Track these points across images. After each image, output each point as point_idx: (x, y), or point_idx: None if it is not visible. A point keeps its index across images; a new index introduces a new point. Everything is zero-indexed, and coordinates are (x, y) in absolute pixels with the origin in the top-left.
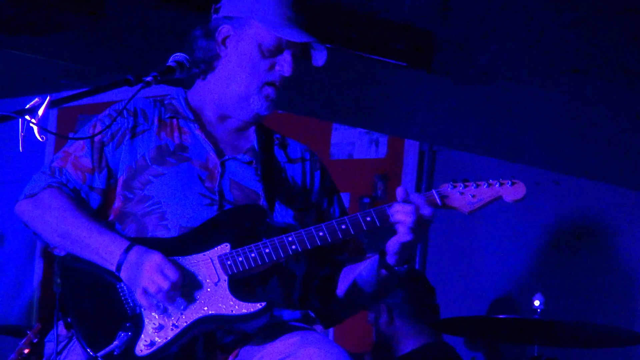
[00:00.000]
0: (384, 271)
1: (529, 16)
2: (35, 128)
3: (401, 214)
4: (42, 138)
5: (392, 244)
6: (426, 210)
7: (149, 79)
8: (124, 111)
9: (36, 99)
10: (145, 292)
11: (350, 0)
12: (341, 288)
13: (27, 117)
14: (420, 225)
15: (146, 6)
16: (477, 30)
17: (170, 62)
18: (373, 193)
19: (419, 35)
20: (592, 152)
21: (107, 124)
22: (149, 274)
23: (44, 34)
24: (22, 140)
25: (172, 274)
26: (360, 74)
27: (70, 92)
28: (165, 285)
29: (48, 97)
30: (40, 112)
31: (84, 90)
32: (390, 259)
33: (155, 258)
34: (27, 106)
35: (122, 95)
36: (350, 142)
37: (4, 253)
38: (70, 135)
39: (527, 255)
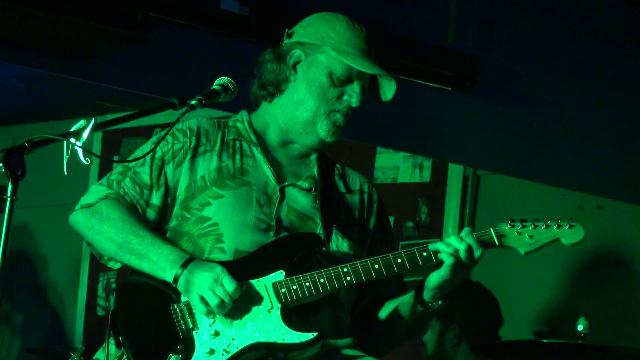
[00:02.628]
0: (419, 307)
1: (574, 41)
2: (80, 151)
3: (448, 248)
4: (86, 161)
5: (432, 278)
6: (475, 252)
7: (193, 102)
8: (187, 130)
9: (81, 122)
10: (203, 300)
11: (394, 25)
12: (380, 321)
13: (71, 139)
14: (463, 264)
15: (191, 30)
16: (520, 55)
17: (215, 86)
18: (417, 217)
19: (463, 60)
20: (636, 177)
21: (169, 142)
22: (207, 283)
23: (90, 57)
24: (67, 163)
25: (230, 284)
26: (404, 98)
27: (115, 115)
28: (222, 293)
29: (93, 120)
30: (85, 134)
31: (129, 113)
32: (427, 294)
33: (215, 269)
34: (72, 129)
35: (166, 118)
36: (394, 166)
37: (47, 276)
38: (116, 158)
39: (570, 279)
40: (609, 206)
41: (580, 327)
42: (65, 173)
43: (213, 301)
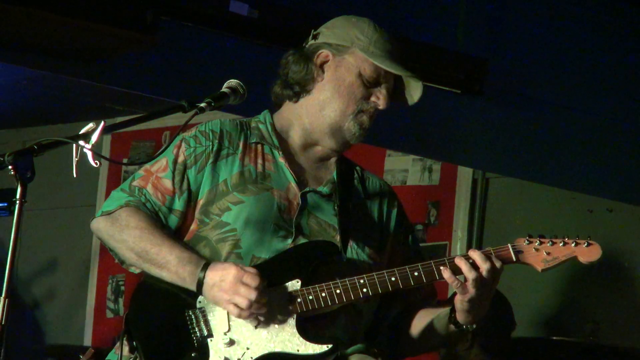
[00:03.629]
0: (452, 326)
1: (583, 44)
2: (89, 153)
3: (464, 264)
4: (96, 164)
5: (458, 301)
6: (490, 268)
7: (202, 105)
8: (210, 133)
9: (90, 125)
10: (237, 307)
11: (404, 27)
12: (414, 329)
13: (81, 142)
14: (484, 283)
15: (200, 33)
16: (530, 58)
17: (224, 89)
18: (426, 220)
19: (473, 63)
20: None
21: (191, 145)
22: (232, 289)
23: (99, 60)
24: (76, 165)
25: (252, 280)
26: None
27: (124, 118)
28: (253, 295)
29: (103, 123)
30: (95, 137)
31: (138, 116)
32: (459, 316)
33: (231, 271)
34: (81, 131)
35: (176, 121)
36: (404, 169)
37: (56, 278)
38: (125, 161)
39: (579, 282)
40: (619, 209)
41: (589, 328)
42: (75, 176)
43: (246, 304)
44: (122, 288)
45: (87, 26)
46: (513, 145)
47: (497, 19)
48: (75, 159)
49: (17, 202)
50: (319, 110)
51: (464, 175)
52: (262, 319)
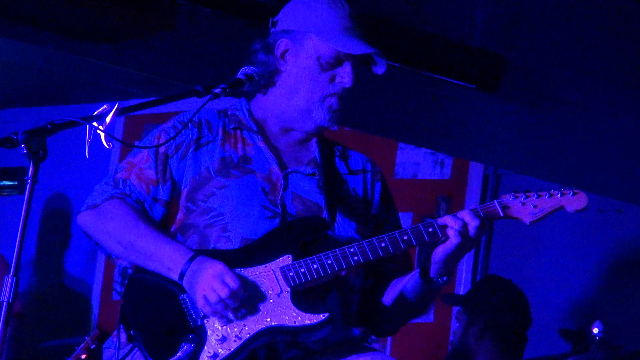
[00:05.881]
0: (424, 282)
1: (599, 43)
2: (102, 135)
3: (451, 223)
4: (108, 145)
5: (437, 253)
6: (476, 225)
7: (217, 90)
8: (189, 123)
9: (104, 106)
10: (205, 299)
11: (421, 21)
12: (389, 299)
13: (94, 123)
14: (468, 240)
15: (217, 18)
16: (546, 55)
17: (239, 75)
18: (436, 213)
19: (489, 58)
20: None
21: (171, 135)
22: (209, 281)
23: (116, 42)
24: (89, 146)
25: (232, 282)
26: (428, 94)
27: (138, 101)
28: (224, 293)
29: (117, 105)
30: (108, 119)
31: (152, 99)
32: (432, 269)
33: (217, 266)
34: (95, 113)
35: (189, 105)
36: (415, 162)
37: (65, 259)
38: (136, 144)
39: (587, 282)
40: (629, 210)
41: (595, 330)
42: (87, 156)
43: (215, 299)
44: (129, 271)
45: (105, 8)
46: (526, 142)
47: (515, 14)
48: (88, 140)
49: (29, 181)
50: (287, 100)
51: (476, 170)
52: (224, 323)
